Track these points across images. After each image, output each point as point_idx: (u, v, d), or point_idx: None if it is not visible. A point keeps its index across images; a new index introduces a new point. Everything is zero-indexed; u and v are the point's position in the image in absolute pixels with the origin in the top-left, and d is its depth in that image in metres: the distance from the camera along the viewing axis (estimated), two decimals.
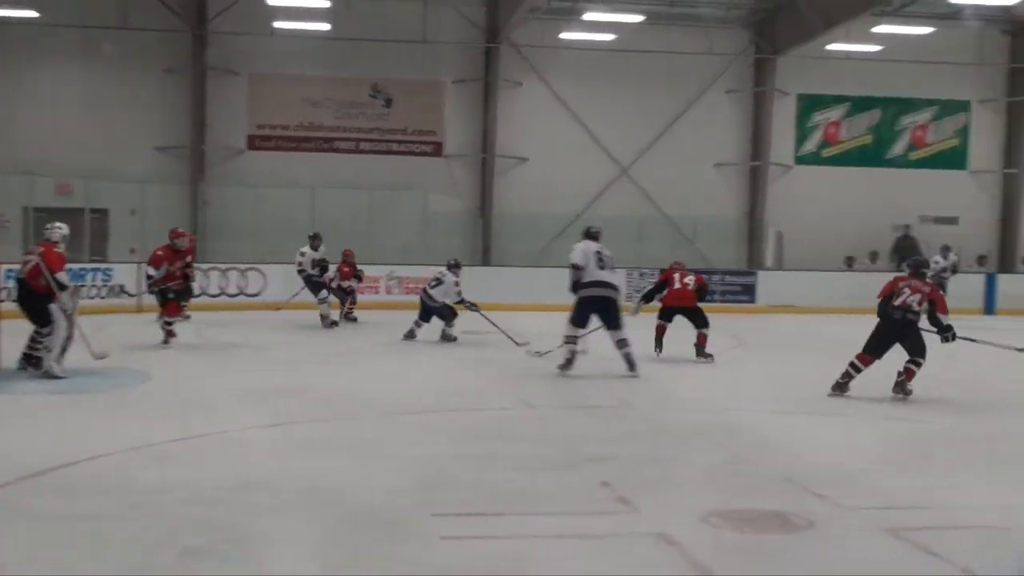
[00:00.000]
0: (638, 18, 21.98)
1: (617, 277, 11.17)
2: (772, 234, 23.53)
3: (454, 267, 13.97)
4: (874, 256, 23.22)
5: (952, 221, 24.26)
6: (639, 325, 12.31)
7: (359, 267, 16.76)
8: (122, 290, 13.92)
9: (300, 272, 15.92)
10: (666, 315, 12.47)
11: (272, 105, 22.67)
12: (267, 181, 21.67)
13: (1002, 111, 24.88)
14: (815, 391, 9.79)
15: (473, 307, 13.73)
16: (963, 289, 19.96)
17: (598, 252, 10.80)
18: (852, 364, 9.50)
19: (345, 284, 16.37)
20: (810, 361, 12.82)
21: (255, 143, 22.70)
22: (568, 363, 10.63)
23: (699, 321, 12.24)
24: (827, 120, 24.52)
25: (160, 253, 12.63)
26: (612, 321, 10.74)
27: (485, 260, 22.34)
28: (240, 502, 5.48)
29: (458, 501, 5.62)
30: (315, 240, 15.95)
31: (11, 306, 10.45)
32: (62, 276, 9.78)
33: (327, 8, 21.08)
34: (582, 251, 10.78)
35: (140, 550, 4.71)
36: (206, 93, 22.15)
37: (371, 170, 22.46)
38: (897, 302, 9.41)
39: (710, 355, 12.10)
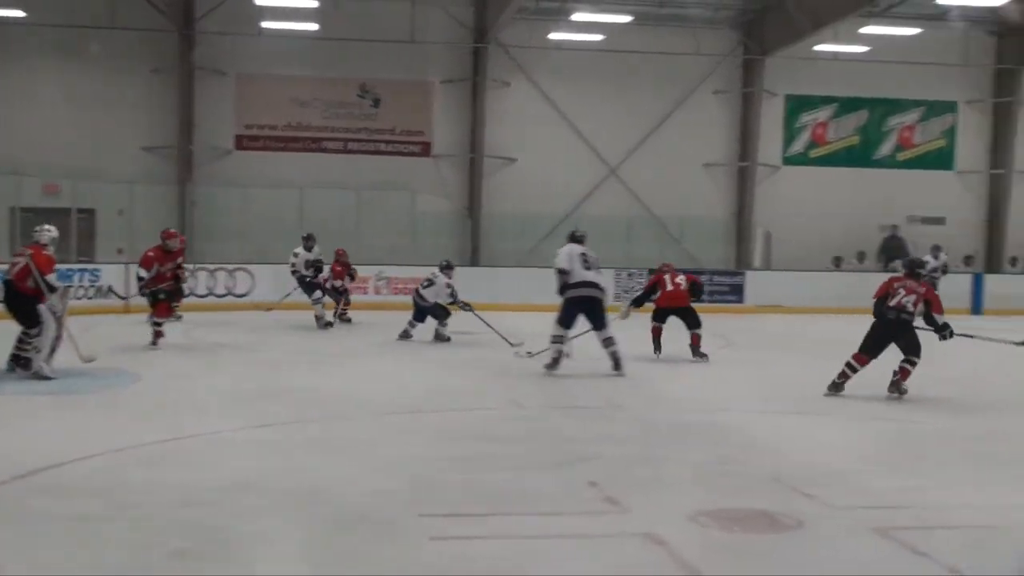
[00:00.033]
0: (626, 18, 22.02)
1: (603, 277, 11.25)
2: (760, 234, 23.59)
3: (446, 268, 14.02)
4: (861, 256, 23.30)
5: (939, 221, 24.36)
6: (633, 326, 12.40)
7: (352, 266, 16.75)
8: (113, 293, 13.80)
9: (294, 273, 15.90)
10: (660, 316, 12.51)
11: (260, 105, 22.63)
12: (255, 181, 21.62)
13: (988, 112, 24.98)
14: (804, 391, 9.82)
15: (467, 307, 13.78)
16: (951, 289, 19.96)
17: (583, 254, 10.91)
18: (848, 364, 9.54)
19: (338, 283, 16.33)
20: (798, 361, 12.88)
21: (243, 143, 22.65)
22: (554, 363, 10.73)
23: (691, 321, 12.29)
24: (815, 121, 24.59)
25: (151, 254, 12.55)
26: (598, 320, 10.84)
27: (474, 260, 22.35)
28: (229, 503, 5.48)
29: (446, 502, 5.62)
30: (308, 241, 15.91)
31: None
32: (52, 278, 9.76)
33: (315, 8, 21.06)
34: (566, 254, 10.89)
35: (129, 551, 4.70)
36: (193, 93, 22.10)
37: (359, 170, 22.44)
38: (892, 303, 9.46)
39: (705, 355, 12.17)
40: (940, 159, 25.00)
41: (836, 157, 24.68)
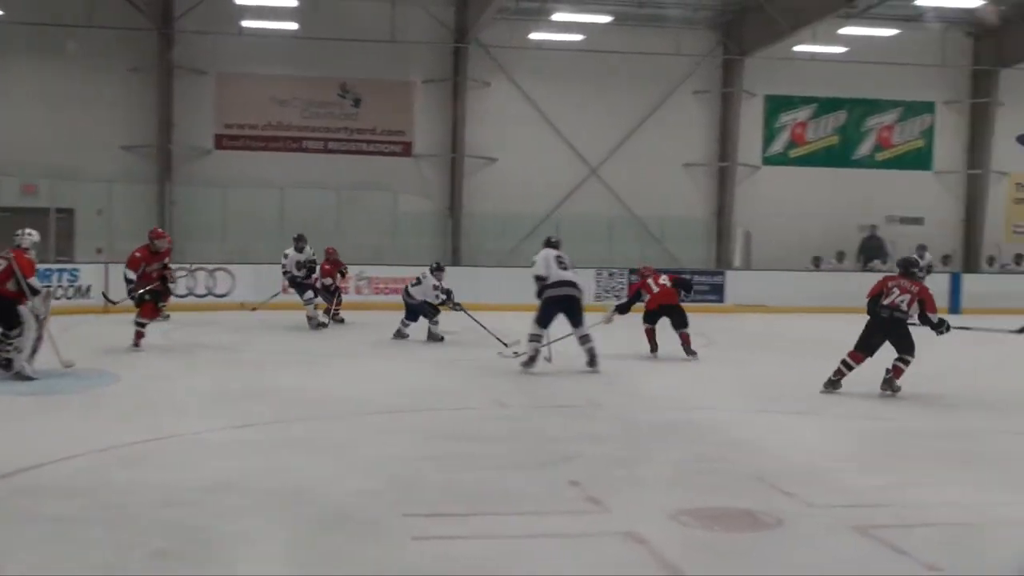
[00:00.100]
0: (606, 19, 22.08)
1: (579, 277, 11.47)
2: (740, 234, 23.69)
3: (436, 270, 14.11)
4: (841, 256, 23.41)
5: (918, 221, 24.53)
6: (619, 327, 12.52)
7: (343, 264, 16.69)
8: (105, 298, 13.63)
9: (285, 274, 15.83)
10: (651, 318, 12.63)
11: (240, 104, 22.53)
12: (235, 181, 21.53)
13: (965, 112, 25.15)
14: (784, 390, 9.89)
15: (457, 307, 13.84)
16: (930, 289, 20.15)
17: (558, 256, 11.21)
18: (844, 362, 9.64)
19: (328, 282, 16.21)
20: (779, 360, 12.96)
21: (223, 142, 22.55)
22: (531, 361, 10.93)
23: (679, 320, 12.42)
24: (794, 121, 24.69)
25: (138, 255, 12.37)
26: (576, 318, 11.06)
27: (455, 260, 22.30)
28: (211, 503, 5.47)
29: (429, 501, 5.62)
30: (299, 242, 15.81)
31: None
32: (34, 281, 9.77)
33: (295, 7, 21.00)
34: (543, 260, 11.16)
35: (110, 552, 4.69)
36: (173, 92, 21.96)
37: (340, 170, 22.39)
38: (886, 301, 9.56)
39: (695, 352, 12.33)
40: (918, 159, 25.15)
41: (815, 157, 24.78)
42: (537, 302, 11.12)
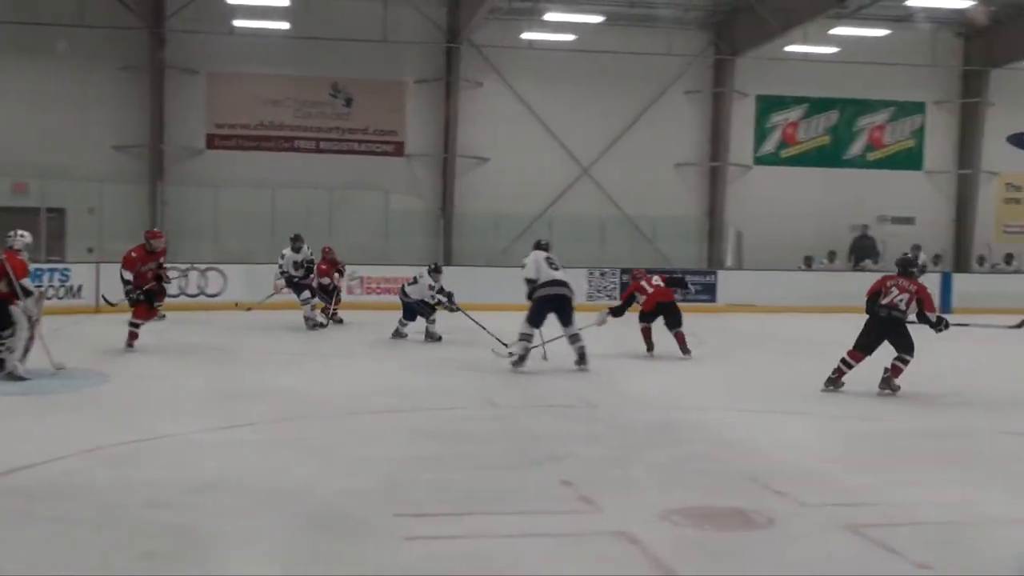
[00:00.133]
0: (598, 19, 22.08)
1: (570, 277, 11.53)
2: (732, 234, 23.71)
3: (434, 271, 14.10)
4: (832, 256, 23.44)
5: (909, 221, 24.59)
6: (614, 326, 12.55)
7: (341, 262, 16.62)
8: (105, 300, 13.55)
9: (283, 274, 15.77)
10: (647, 318, 12.70)
11: (231, 104, 22.49)
12: (227, 180, 21.47)
13: (956, 112, 25.20)
14: (776, 389, 9.91)
15: (452, 308, 13.84)
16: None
17: (548, 257, 11.31)
18: (844, 360, 9.70)
19: (325, 281, 16.15)
20: (771, 360, 12.99)
21: (214, 142, 22.50)
22: (520, 360, 10.99)
23: (674, 320, 12.50)
24: (785, 121, 24.72)
25: (133, 255, 12.26)
26: (566, 317, 11.14)
27: (447, 260, 22.23)
28: (200, 504, 5.45)
29: (420, 501, 5.62)
30: (296, 242, 15.72)
31: None
32: (27, 282, 9.75)
33: (286, 7, 20.96)
34: (533, 262, 11.24)
35: (99, 553, 4.68)
36: (164, 91, 21.90)
37: (332, 170, 22.36)
38: (884, 301, 9.60)
39: (690, 351, 12.42)
40: (909, 159, 25.21)
41: (807, 157, 24.82)
42: (528, 303, 11.18)
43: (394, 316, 14.32)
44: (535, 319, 11.06)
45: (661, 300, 12.56)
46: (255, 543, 4.91)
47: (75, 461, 6.36)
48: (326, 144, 22.81)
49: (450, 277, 14.23)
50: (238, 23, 21.54)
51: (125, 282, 12.18)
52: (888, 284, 9.70)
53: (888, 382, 9.55)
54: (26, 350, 9.69)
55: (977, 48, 24.54)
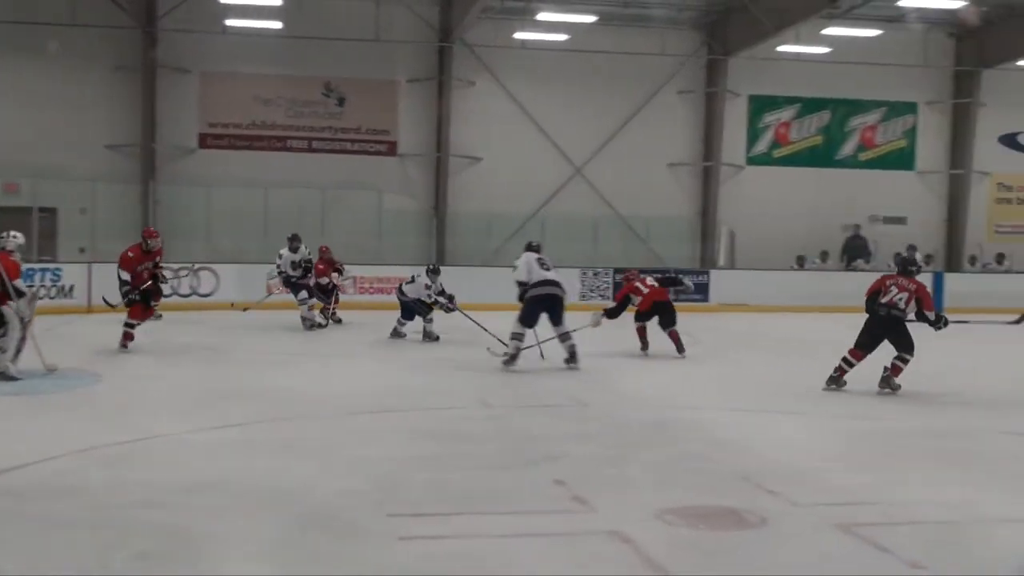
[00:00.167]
0: (591, 18, 22.10)
1: (562, 277, 11.58)
2: (724, 234, 23.74)
3: (432, 272, 14.09)
4: (824, 255, 23.49)
5: (901, 221, 24.66)
6: (613, 325, 12.55)
7: (339, 261, 16.61)
8: (105, 301, 13.48)
9: (280, 274, 15.73)
10: (643, 317, 12.74)
11: (224, 103, 22.46)
12: (219, 180, 21.45)
13: (948, 112, 25.28)
14: (770, 389, 9.92)
15: (449, 308, 13.84)
16: None
17: (539, 258, 11.36)
18: (844, 359, 9.74)
19: (323, 281, 16.12)
20: (764, 359, 13.00)
21: (207, 141, 22.47)
22: (512, 359, 11.00)
23: (668, 320, 12.54)
24: (778, 121, 24.77)
25: (130, 255, 12.19)
26: (557, 316, 11.17)
27: (440, 260, 22.20)
28: (194, 504, 5.45)
29: (414, 501, 5.62)
30: (294, 242, 15.65)
31: None
32: (19, 283, 9.74)
33: (279, 6, 20.96)
34: (524, 264, 11.29)
35: (92, 553, 4.67)
36: (156, 91, 21.85)
37: (324, 169, 22.35)
38: (884, 299, 9.64)
39: (685, 349, 12.48)
40: (901, 159, 25.27)
41: (799, 157, 24.87)
42: (520, 305, 11.22)
43: (388, 315, 14.32)
44: (527, 319, 11.10)
45: (658, 299, 12.61)
46: (249, 543, 4.90)
47: (68, 461, 6.35)
48: (319, 143, 22.80)
49: (443, 277, 14.22)
50: (230, 22, 21.52)
51: (123, 282, 12.11)
52: (887, 283, 9.75)
53: (888, 381, 9.58)
54: (18, 350, 9.68)
55: (969, 48, 24.61)
